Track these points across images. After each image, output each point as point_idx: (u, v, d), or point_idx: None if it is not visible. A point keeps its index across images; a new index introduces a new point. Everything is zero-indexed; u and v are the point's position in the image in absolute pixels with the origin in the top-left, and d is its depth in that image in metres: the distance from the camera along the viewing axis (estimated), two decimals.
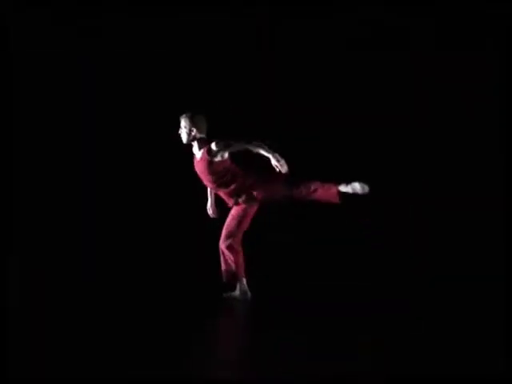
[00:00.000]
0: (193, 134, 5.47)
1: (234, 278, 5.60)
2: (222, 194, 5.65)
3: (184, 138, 5.51)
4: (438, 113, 7.14)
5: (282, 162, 5.32)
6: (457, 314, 5.04)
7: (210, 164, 5.44)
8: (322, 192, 5.54)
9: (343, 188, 5.54)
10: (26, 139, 7.16)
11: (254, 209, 5.63)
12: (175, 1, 7.06)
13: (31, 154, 7.22)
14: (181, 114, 5.51)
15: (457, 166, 7.11)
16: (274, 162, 5.31)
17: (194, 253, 6.80)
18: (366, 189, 5.51)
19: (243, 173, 5.55)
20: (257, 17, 7.10)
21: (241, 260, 5.61)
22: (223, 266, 5.63)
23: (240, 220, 5.59)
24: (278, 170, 5.32)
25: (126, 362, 3.74)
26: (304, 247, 7.10)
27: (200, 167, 5.51)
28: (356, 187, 5.53)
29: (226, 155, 5.46)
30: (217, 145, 5.42)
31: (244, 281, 5.62)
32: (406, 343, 4.17)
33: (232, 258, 5.57)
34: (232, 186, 5.53)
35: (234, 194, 5.55)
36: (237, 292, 5.62)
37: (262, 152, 5.34)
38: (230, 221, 5.63)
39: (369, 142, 7.18)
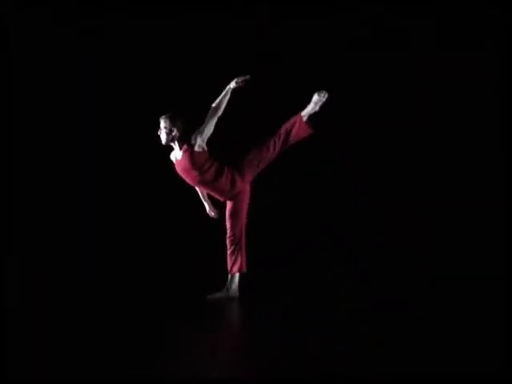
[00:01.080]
0: (173, 134, 5.43)
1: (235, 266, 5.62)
2: (211, 191, 5.65)
3: (163, 139, 5.46)
4: (437, 113, 7.13)
5: (240, 77, 5.36)
6: (457, 314, 5.03)
7: (192, 156, 5.41)
8: (293, 131, 5.56)
9: (307, 111, 5.57)
10: (26, 139, 7.16)
11: (247, 194, 5.64)
12: (175, 1, 7.05)
13: (31, 153, 7.22)
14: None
15: (457, 166, 7.11)
16: (234, 85, 5.35)
17: (192, 253, 6.80)
18: (326, 94, 5.54)
19: (225, 165, 5.54)
20: (257, 17, 7.10)
21: (242, 254, 5.62)
22: (229, 260, 5.64)
23: (238, 210, 5.60)
24: (242, 85, 5.36)
25: (123, 362, 3.74)
26: (300, 244, 7.11)
27: (182, 165, 5.48)
28: (316, 100, 5.56)
29: (205, 146, 5.45)
30: (194, 135, 5.42)
31: (237, 278, 5.62)
32: (406, 343, 4.17)
33: (237, 251, 5.58)
34: (219, 180, 5.51)
35: (225, 189, 5.54)
36: (225, 290, 5.62)
37: (224, 98, 5.38)
38: (230, 214, 5.64)
39: (368, 142, 7.18)
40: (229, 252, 5.64)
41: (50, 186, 7.21)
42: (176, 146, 5.50)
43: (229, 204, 5.65)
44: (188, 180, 5.55)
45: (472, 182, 7.00)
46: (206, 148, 5.45)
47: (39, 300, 5.56)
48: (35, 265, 6.77)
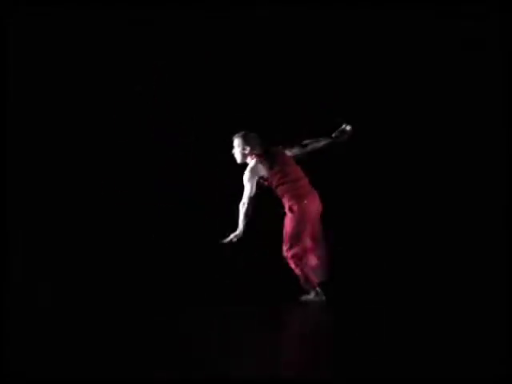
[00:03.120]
0: (246, 152, 5.56)
1: (307, 282, 5.61)
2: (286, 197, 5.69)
3: (238, 158, 5.64)
4: (437, 113, 7.14)
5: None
6: (457, 314, 5.04)
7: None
8: (308, 274, 5.59)
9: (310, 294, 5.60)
10: (25, 139, 7.14)
11: (312, 212, 5.65)
12: (175, 1, 7.05)
13: (30, 153, 7.21)
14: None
15: (457, 167, 7.11)
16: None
17: (194, 253, 6.80)
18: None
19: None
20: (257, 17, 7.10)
21: (309, 266, 5.61)
22: (297, 272, 5.65)
23: (298, 225, 5.61)
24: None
25: (122, 363, 3.74)
26: None
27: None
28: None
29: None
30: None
31: (316, 285, 5.63)
32: (405, 344, 4.17)
33: (299, 266, 5.58)
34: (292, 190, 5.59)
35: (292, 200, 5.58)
36: (311, 295, 5.65)
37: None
38: (287, 228, 5.68)
39: (368, 143, 7.18)
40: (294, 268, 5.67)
41: (50, 186, 7.21)
42: (249, 160, 5.62)
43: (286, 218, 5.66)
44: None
45: (472, 183, 7.01)
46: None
47: (39, 300, 5.56)
48: (35, 265, 6.77)
